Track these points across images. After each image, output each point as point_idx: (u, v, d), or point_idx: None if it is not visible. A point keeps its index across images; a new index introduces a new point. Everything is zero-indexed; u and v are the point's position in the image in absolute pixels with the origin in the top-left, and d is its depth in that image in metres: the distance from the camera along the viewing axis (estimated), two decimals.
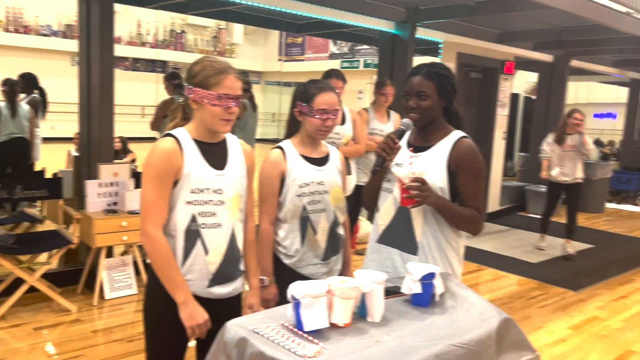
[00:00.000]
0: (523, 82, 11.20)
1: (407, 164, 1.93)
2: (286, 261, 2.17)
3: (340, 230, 2.27)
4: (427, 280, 1.73)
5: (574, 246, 5.84)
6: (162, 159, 1.73)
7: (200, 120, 1.80)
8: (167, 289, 1.76)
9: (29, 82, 5.56)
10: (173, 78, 5.37)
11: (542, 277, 5.10)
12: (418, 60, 5.64)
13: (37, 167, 5.60)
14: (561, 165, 5.74)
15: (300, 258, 2.16)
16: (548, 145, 5.85)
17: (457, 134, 1.99)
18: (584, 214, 8.41)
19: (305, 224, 2.15)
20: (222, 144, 1.88)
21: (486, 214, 7.45)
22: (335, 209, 2.21)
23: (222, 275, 1.85)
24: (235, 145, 1.92)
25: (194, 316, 1.76)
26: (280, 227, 2.17)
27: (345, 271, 2.37)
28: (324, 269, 2.21)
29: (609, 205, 9.16)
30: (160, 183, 1.73)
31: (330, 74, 4.04)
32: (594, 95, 10.66)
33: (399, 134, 1.99)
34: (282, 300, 2.12)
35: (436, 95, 1.96)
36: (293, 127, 2.21)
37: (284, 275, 2.16)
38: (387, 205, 2.06)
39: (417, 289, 1.73)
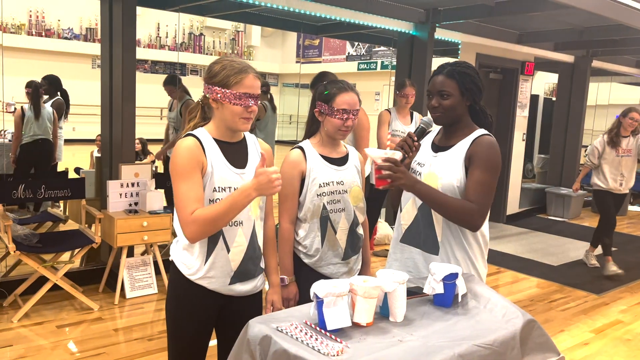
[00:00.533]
0: (543, 83, 11.09)
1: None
2: (306, 260, 2.18)
3: (360, 230, 2.27)
4: (449, 280, 1.72)
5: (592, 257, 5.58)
6: (187, 155, 1.74)
7: (220, 120, 1.81)
8: (242, 207, 1.71)
9: (53, 84, 5.65)
10: (175, 84, 5.41)
11: (563, 280, 5.03)
12: (436, 61, 5.62)
13: (60, 168, 5.69)
14: (621, 174, 5.10)
15: (320, 257, 2.17)
16: (595, 151, 5.20)
17: (478, 132, 1.98)
18: None
19: (325, 223, 2.15)
20: (242, 143, 1.89)
21: (505, 217, 7.39)
22: (354, 208, 2.21)
23: (243, 273, 1.86)
24: (254, 144, 1.93)
25: (258, 188, 1.68)
26: (300, 226, 2.17)
27: (364, 272, 2.37)
28: (344, 269, 2.22)
29: (631, 208, 9.01)
30: (190, 177, 1.73)
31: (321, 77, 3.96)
32: (615, 97, 10.49)
33: (419, 132, 1.99)
34: (302, 299, 2.13)
35: (458, 94, 1.95)
36: (313, 128, 2.22)
37: (304, 274, 2.16)
38: (409, 205, 2.06)
39: (440, 289, 1.72)
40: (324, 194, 2.13)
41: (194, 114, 1.89)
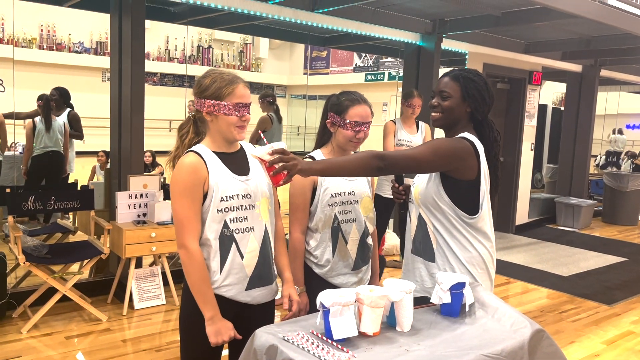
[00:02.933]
0: (551, 92, 11.07)
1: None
2: (317, 270, 2.18)
3: (370, 240, 2.27)
4: (456, 290, 1.72)
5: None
6: (189, 172, 1.77)
7: (215, 132, 1.84)
8: (197, 302, 1.79)
9: (63, 95, 5.71)
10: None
11: (573, 290, 4.98)
12: (443, 71, 5.62)
13: (70, 180, 5.74)
14: None
15: (331, 268, 2.17)
16: None
17: (461, 134, 1.95)
18: (617, 227, 8.22)
19: (337, 233, 2.15)
20: (241, 152, 1.93)
21: (515, 227, 7.34)
22: (365, 218, 2.21)
23: (258, 277, 1.88)
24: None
25: (220, 333, 1.79)
26: (312, 236, 2.18)
27: (373, 282, 2.37)
28: (354, 279, 2.22)
29: None
30: (191, 196, 1.77)
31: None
32: (624, 106, 10.44)
33: (398, 179, 2.13)
34: (312, 309, 2.13)
35: (459, 97, 1.95)
36: (324, 138, 2.23)
37: (315, 284, 2.16)
38: (413, 216, 2.06)
39: (447, 298, 1.71)
40: (335, 204, 2.14)
41: (185, 130, 1.91)
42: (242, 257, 1.83)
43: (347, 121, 2.10)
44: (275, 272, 1.98)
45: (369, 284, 2.36)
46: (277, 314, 2.66)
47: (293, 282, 2.05)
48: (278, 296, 2.04)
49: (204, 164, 1.79)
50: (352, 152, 2.26)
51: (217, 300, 1.83)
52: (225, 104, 1.78)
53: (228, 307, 1.85)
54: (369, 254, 2.28)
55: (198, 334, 1.85)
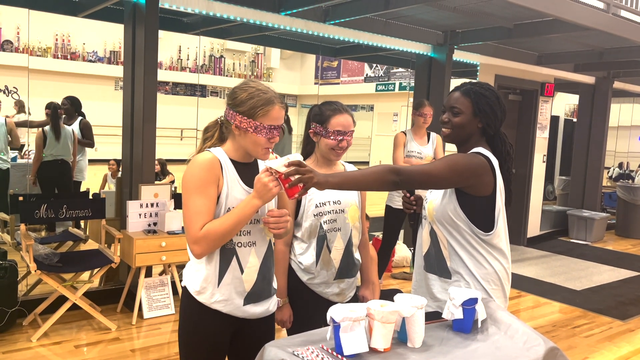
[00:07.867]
0: (563, 104, 11.00)
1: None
2: (300, 275, 2.18)
3: (357, 254, 2.26)
4: (468, 305, 1.69)
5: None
6: (204, 168, 1.73)
7: (239, 145, 1.80)
8: (248, 214, 1.71)
9: (74, 104, 5.76)
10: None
11: (587, 305, 4.91)
12: (454, 82, 5.61)
13: (82, 188, 5.77)
14: None
15: (313, 276, 2.17)
16: None
17: (474, 150, 1.93)
18: (630, 240, 8.12)
19: (322, 242, 2.16)
20: (255, 164, 1.89)
21: (526, 239, 7.27)
22: (352, 228, 2.21)
23: (256, 293, 1.84)
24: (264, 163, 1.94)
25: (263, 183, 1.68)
26: (298, 244, 2.18)
27: (365, 290, 2.37)
28: (335, 290, 2.20)
29: None
30: (205, 193, 1.71)
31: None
32: (638, 118, 10.35)
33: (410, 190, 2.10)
34: (296, 319, 2.18)
35: (470, 113, 1.93)
36: (308, 148, 2.24)
37: (297, 293, 2.18)
38: (425, 232, 2.04)
39: (459, 314, 1.69)
40: (321, 214, 2.14)
41: (210, 134, 1.87)
42: (242, 271, 1.80)
43: (330, 130, 2.11)
44: (274, 286, 1.94)
45: (361, 294, 2.37)
46: None
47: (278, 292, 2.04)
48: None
49: (220, 166, 1.75)
50: (341, 162, 2.25)
51: (213, 316, 1.79)
52: (258, 124, 1.73)
53: (226, 323, 1.82)
54: (355, 269, 2.26)
55: (199, 350, 1.82)
